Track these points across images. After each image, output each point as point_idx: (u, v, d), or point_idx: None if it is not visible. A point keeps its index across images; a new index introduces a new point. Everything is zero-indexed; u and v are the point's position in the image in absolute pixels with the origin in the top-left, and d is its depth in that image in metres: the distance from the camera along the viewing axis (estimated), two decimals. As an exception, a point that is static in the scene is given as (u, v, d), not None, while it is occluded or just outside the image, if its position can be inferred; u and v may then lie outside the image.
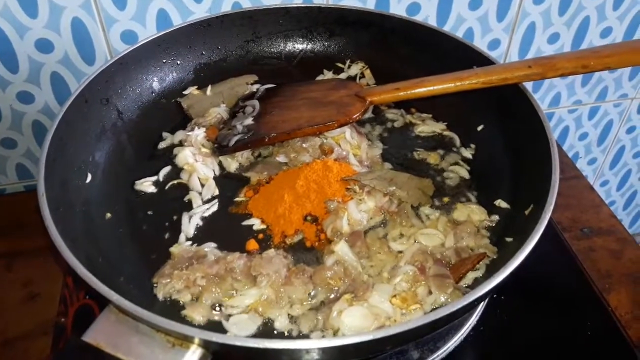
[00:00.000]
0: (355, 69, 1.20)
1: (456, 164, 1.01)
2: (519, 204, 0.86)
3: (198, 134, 1.03)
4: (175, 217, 0.92)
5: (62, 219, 0.76)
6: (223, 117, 1.08)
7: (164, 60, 1.12)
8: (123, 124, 1.03)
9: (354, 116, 0.98)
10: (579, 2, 1.40)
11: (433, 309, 0.76)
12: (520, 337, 0.95)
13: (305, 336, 0.75)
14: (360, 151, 1.01)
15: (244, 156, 1.02)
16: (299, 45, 1.22)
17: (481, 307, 0.95)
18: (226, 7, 1.22)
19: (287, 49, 1.22)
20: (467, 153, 1.04)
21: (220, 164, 1.01)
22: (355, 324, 0.73)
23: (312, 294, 0.79)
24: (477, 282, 0.80)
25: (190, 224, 0.90)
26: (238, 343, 0.61)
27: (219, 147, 1.01)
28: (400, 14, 1.19)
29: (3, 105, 1.23)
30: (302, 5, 1.19)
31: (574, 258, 1.10)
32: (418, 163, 1.02)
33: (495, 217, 0.90)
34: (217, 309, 0.78)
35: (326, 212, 0.91)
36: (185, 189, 0.97)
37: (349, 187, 0.94)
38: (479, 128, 1.05)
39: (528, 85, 0.98)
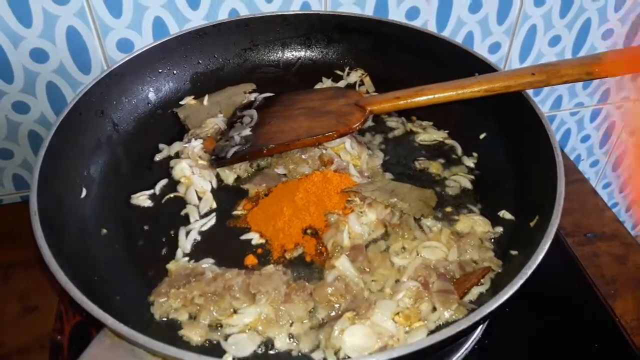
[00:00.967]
0: (354, 77, 1.18)
1: (458, 173, 1.00)
2: (523, 215, 0.85)
3: (195, 146, 1.01)
4: (172, 232, 0.91)
5: (56, 238, 0.75)
6: (220, 128, 1.07)
7: (160, 70, 1.11)
8: (118, 137, 1.02)
9: (354, 126, 0.96)
10: (580, 4, 1.38)
11: (437, 326, 0.74)
12: (525, 348, 0.94)
13: (306, 356, 0.73)
14: (360, 162, 1.00)
15: (242, 168, 1.00)
16: (297, 53, 1.21)
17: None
18: (223, 15, 1.21)
19: (285, 57, 1.21)
20: (470, 162, 1.02)
21: (217, 176, 1.00)
22: (358, 343, 0.71)
23: (312, 311, 0.77)
24: (482, 297, 0.78)
25: (187, 239, 0.89)
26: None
27: (217, 159, 0.99)
28: (399, 20, 1.18)
29: (-2, 115, 1.22)
30: (300, 13, 1.18)
31: (577, 264, 1.09)
32: (420, 173, 1.01)
33: (500, 229, 0.88)
34: (216, 328, 0.76)
35: (326, 225, 0.89)
36: (182, 202, 0.96)
37: (349, 199, 0.92)
38: (482, 136, 1.04)
39: (530, 89, 0.97)
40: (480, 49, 1.39)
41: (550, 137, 0.86)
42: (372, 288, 0.81)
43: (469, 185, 0.98)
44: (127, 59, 1.04)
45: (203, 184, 0.97)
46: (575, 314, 1.00)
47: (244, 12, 1.21)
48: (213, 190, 0.97)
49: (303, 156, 0.98)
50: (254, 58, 1.19)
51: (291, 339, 0.75)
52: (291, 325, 0.76)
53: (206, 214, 0.94)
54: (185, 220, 0.92)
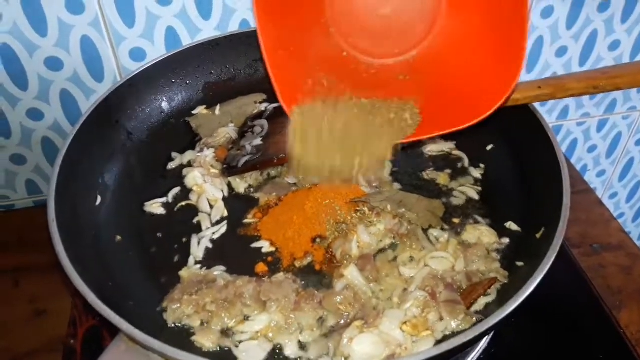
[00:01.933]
0: (364, 88, 1.19)
1: (465, 184, 1.01)
2: (529, 227, 0.86)
3: (207, 155, 1.03)
4: (184, 240, 0.92)
5: (72, 244, 0.77)
6: (232, 137, 1.08)
7: (173, 80, 1.13)
8: (132, 145, 1.04)
9: (363, 137, 0.97)
10: (586, 15, 1.39)
11: (444, 336, 0.75)
12: (531, 358, 0.95)
13: (315, 364, 0.75)
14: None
15: (253, 177, 1.02)
16: (307, 64, 1.22)
17: (491, 329, 0.94)
18: (234, 25, 1.22)
19: (295, 68, 1.22)
20: (477, 173, 1.03)
21: (229, 185, 1.01)
22: (366, 351, 0.72)
23: (322, 319, 0.79)
24: (488, 308, 0.79)
25: (199, 247, 0.90)
26: (248, 374, 0.61)
27: (228, 168, 1.01)
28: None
29: (13, 122, 1.24)
30: (310, 24, 1.20)
31: (583, 275, 1.09)
32: (427, 183, 1.02)
33: (506, 240, 0.89)
34: (227, 334, 0.78)
35: (335, 234, 0.91)
36: (194, 210, 0.97)
37: (358, 208, 0.93)
38: (489, 148, 1.05)
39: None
40: (487, 60, 1.41)
41: (556, 149, 0.87)
42: (380, 297, 0.82)
43: (475, 197, 0.99)
44: (141, 69, 1.06)
45: (215, 192, 0.98)
46: (581, 324, 1.00)
47: (255, 23, 1.23)
48: (224, 199, 0.99)
49: (313, 166, 1.00)
50: (264, 69, 1.21)
51: (301, 347, 0.77)
52: (301, 332, 0.78)
53: (218, 222, 0.95)
54: (198, 228, 0.94)
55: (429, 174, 1.03)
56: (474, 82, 0.87)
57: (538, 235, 0.83)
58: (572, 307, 1.05)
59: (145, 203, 0.98)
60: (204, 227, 0.94)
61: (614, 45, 1.48)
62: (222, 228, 0.94)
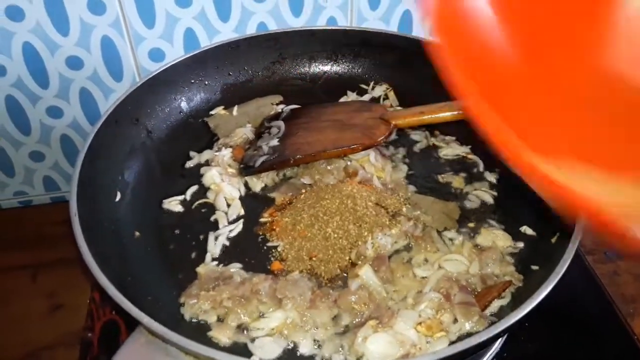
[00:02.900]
0: (379, 91, 1.20)
1: (480, 188, 1.01)
2: (545, 232, 0.86)
3: (225, 154, 1.04)
4: (201, 237, 0.93)
5: (93, 239, 0.78)
6: (249, 138, 1.10)
7: (192, 81, 1.15)
8: (152, 143, 1.06)
9: (379, 139, 0.98)
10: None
11: (458, 337, 0.75)
12: (543, 363, 0.95)
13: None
14: (384, 174, 1.02)
15: (270, 177, 1.03)
16: (323, 67, 1.24)
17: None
18: (252, 27, 1.24)
19: (312, 71, 1.24)
20: (492, 177, 1.03)
21: (246, 184, 1.02)
22: (380, 351, 0.73)
23: (336, 318, 0.79)
24: (502, 310, 0.79)
25: (216, 244, 0.91)
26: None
27: (245, 168, 1.02)
28: (424, 36, 1.20)
29: (33, 119, 1.26)
30: (328, 28, 1.21)
31: (597, 282, 1.08)
32: (443, 186, 1.02)
33: (521, 244, 0.89)
34: (243, 330, 0.79)
35: (350, 235, 0.91)
36: (211, 208, 0.98)
37: (374, 210, 0.94)
38: (504, 152, 1.05)
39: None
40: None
41: (572, 154, 0.87)
42: (395, 298, 0.82)
43: (490, 201, 0.99)
44: (161, 69, 1.08)
45: (232, 191, 0.99)
46: (594, 331, 1.00)
47: (272, 26, 1.24)
48: (241, 198, 1.00)
49: (328, 167, 1.01)
50: (282, 71, 1.22)
51: (315, 344, 0.77)
52: (315, 330, 0.78)
53: (234, 220, 0.96)
54: (215, 226, 0.95)
55: (444, 177, 1.03)
56: None
57: (553, 240, 0.83)
58: (586, 313, 1.04)
59: (164, 200, 0.99)
60: (220, 225, 0.95)
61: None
62: (239, 226, 0.95)
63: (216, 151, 1.06)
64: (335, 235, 0.89)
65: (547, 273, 0.72)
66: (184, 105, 1.13)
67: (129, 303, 0.66)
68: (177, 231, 0.94)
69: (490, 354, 0.91)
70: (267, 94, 1.19)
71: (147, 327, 0.65)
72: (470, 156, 1.08)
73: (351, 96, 1.20)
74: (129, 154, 1.01)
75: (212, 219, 0.96)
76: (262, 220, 0.96)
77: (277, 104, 1.17)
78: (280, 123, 1.08)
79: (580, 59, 0.62)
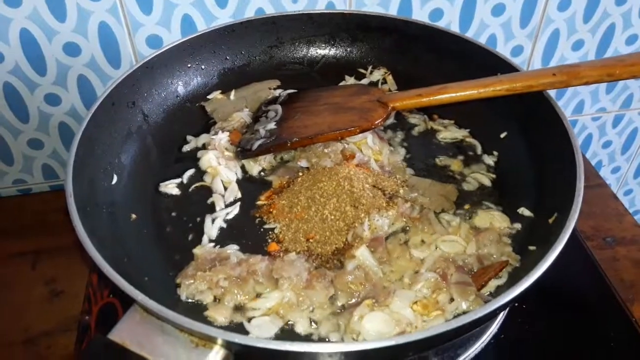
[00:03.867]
0: (377, 75, 1.20)
1: (478, 171, 1.01)
2: (542, 213, 0.86)
3: (222, 138, 1.04)
4: (198, 219, 0.93)
5: (89, 219, 0.78)
6: (246, 121, 1.09)
7: (189, 65, 1.14)
8: (148, 127, 1.05)
9: (376, 122, 0.98)
10: (604, 9, 1.39)
11: (455, 316, 0.75)
12: (542, 346, 0.95)
13: (326, 339, 0.76)
14: (382, 157, 1.02)
15: (267, 160, 1.03)
16: (321, 51, 1.23)
17: (502, 315, 0.94)
18: (250, 13, 1.24)
19: (309, 55, 1.23)
20: (490, 160, 1.03)
21: (242, 168, 1.02)
22: (377, 329, 0.73)
23: (333, 298, 0.79)
24: (499, 290, 0.79)
25: (213, 226, 0.91)
26: (260, 345, 0.62)
27: (242, 151, 1.02)
28: (423, 20, 1.20)
29: (31, 106, 1.26)
30: (325, 12, 1.21)
31: (597, 267, 1.09)
32: (440, 169, 1.02)
33: (518, 225, 0.89)
34: (239, 310, 0.79)
35: (347, 216, 0.91)
36: (208, 191, 0.98)
37: (370, 192, 0.93)
38: (502, 135, 1.05)
39: (552, 93, 0.97)
40: (502, 51, 1.40)
41: (570, 136, 0.87)
42: (391, 278, 0.82)
43: (488, 183, 0.99)
44: (157, 53, 1.07)
45: (229, 174, 0.99)
46: (594, 316, 1.00)
47: (270, 11, 1.24)
48: (238, 181, 1.00)
49: (326, 150, 1.00)
50: (279, 55, 1.22)
51: (312, 324, 0.78)
52: (312, 310, 0.78)
53: (231, 203, 0.96)
54: (211, 209, 0.95)
55: (442, 160, 1.04)
56: None
57: (551, 221, 0.82)
58: (585, 298, 1.05)
59: (161, 183, 0.99)
60: (217, 208, 0.95)
61: (632, 40, 1.48)
62: (236, 209, 0.95)
63: (213, 135, 1.06)
64: (332, 217, 0.89)
65: (544, 253, 0.71)
66: (180, 89, 1.13)
67: (123, 281, 0.66)
68: (173, 214, 0.95)
69: (488, 335, 0.91)
70: (264, 78, 1.19)
71: (142, 304, 0.65)
72: (468, 139, 1.08)
73: (349, 80, 1.20)
74: (125, 137, 1.00)
75: (209, 201, 0.96)
76: (259, 203, 0.97)
77: (275, 89, 1.17)
78: (278, 107, 1.07)
79: None
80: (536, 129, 0.98)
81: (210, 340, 0.65)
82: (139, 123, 1.04)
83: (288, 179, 0.99)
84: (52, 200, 1.33)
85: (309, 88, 1.12)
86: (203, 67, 1.16)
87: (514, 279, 0.79)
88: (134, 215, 0.92)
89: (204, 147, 1.05)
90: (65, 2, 1.13)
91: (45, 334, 1.04)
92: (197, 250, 0.87)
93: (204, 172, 1.01)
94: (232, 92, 1.15)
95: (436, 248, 0.86)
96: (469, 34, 1.36)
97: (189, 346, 0.65)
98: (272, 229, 0.91)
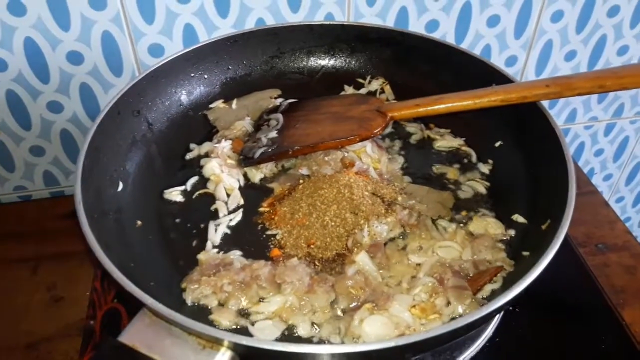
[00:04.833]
0: (375, 85, 1.22)
1: (474, 179, 1.03)
2: (535, 219, 0.88)
3: (224, 146, 1.06)
4: (202, 225, 0.95)
5: (96, 226, 0.80)
6: (248, 130, 1.12)
7: (192, 75, 1.16)
8: (153, 135, 1.07)
9: (375, 131, 1.00)
10: (596, 20, 1.42)
11: (451, 319, 0.78)
12: (535, 350, 0.97)
13: (327, 342, 0.78)
14: (380, 165, 1.04)
15: (268, 168, 1.05)
16: (321, 61, 1.25)
17: (497, 319, 0.97)
18: (250, 23, 1.26)
19: (309, 65, 1.25)
20: (485, 168, 1.06)
21: (245, 175, 1.04)
22: (376, 332, 0.75)
23: (334, 302, 0.82)
24: (494, 294, 0.82)
25: (216, 233, 0.93)
26: (266, 346, 0.64)
27: (244, 159, 1.04)
28: (419, 32, 1.22)
29: (33, 114, 1.28)
30: (325, 23, 1.23)
31: (589, 273, 1.11)
32: (437, 177, 1.05)
33: (512, 232, 0.92)
34: (243, 314, 0.81)
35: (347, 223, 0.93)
36: (211, 198, 1.00)
37: (370, 199, 0.96)
38: (497, 144, 1.07)
39: (545, 102, 1.00)
40: (497, 62, 1.43)
41: (562, 145, 0.89)
42: (390, 283, 0.85)
43: (483, 191, 1.01)
44: (161, 63, 1.09)
45: (231, 181, 1.02)
46: (586, 321, 1.03)
47: (271, 22, 1.26)
48: (240, 188, 1.02)
49: (326, 158, 1.03)
50: (280, 65, 1.24)
51: (313, 327, 0.80)
52: (313, 314, 0.80)
53: (234, 210, 0.98)
54: (215, 215, 0.97)
55: (438, 168, 1.06)
56: None
57: (544, 227, 0.85)
58: (578, 303, 1.07)
59: (165, 191, 1.01)
60: (221, 214, 0.97)
61: (623, 50, 1.51)
62: (238, 215, 0.97)
63: (216, 143, 1.08)
64: (333, 224, 0.92)
65: (537, 258, 0.74)
66: (184, 98, 1.15)
67: (133, 286, 0.68)
68: (178, 220, 0.96)
69: (483, 339, 0.93)
70: (265, 87, 1.21)
71: (151, 308, 0.67)
72: (464, 148, 1.10)
73: (348, 90, 1.22)
74: (130, 145, 1.02)
75: (212, 208, 0.98)
76: (261, 209, 0.99)
77: (276, 98, 1.19)
78: (279, 115, 1.10)
79: None
80: (530, 138, 1.01)
81: (217, 343, 0.67)
82: (144, 131, 1.06)
83: (289, 186, 1.01)
84: (52, 207, 1.34)
85: (309, 97, 1.15)
86: (206, 76, 1.18)
87: (508, 284, 0.81)
88: (139, 222, 0.94)
89: (207, 155, 1.07)
90: (70, 12, 1.15)
91: (46, 339, 1.05)
92: (201, 256, 0.89)
93: (207, 180, 1.03)
94: (234, 101, 1.17)
95: (433, 253, 0.88)
96: (465, 45, 1.38)
97: (197, 348, 0.67)
98: (274, 235, 0.93)
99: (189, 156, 1.09)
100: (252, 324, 0.79)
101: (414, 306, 0.79)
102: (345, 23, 1.24)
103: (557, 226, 0.77)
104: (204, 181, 1.03)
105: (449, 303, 0.80)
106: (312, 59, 1.25)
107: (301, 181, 1.01)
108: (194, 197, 1.01)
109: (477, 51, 1.40)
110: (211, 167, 1.03)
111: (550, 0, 1.35)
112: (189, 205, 0.99)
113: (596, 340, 0.99)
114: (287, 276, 0.82)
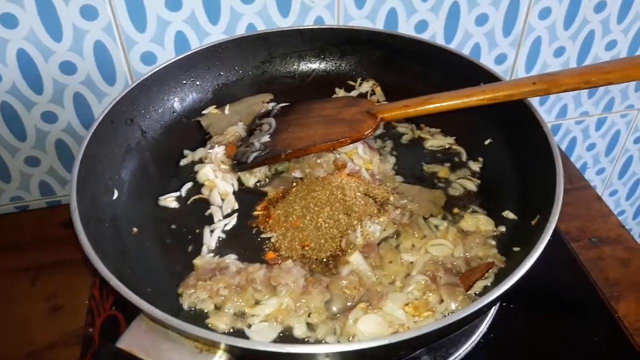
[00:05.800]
0: (366, 87, 1.23)
1: (464, 177, 1.05)
2: (525, 215, 0.89)
3: (218, 152, 1.07)
4: (197, 231, 0.96)
5: (92, 233, 0.80)
6: (241, 135, 1.13)
7: (184, 82, 1.17)
8: (146, 143, 1.08)
9: (366, 132, 1.01)
10: (583, 16, 1.43)
11: (444, 316, 0.79)
12: (529, 344, 0.98)
13: (323, 342, 0.79)
14: (372, 165, 1.05)
15: (262, 172, 1.06)
16: (311, 65, 1.26)
17: (491, 314, 0.98)
18: (241, 29, 1.27)
19: (300, 69, 1.26)
20: (475, 166, 1.07)
21: (239, 180, 1.05)
22: (371, 330, 0.76)
23: (328, 302, 0.83)
24: (486, 290, 0.83)
25: (212, 237, 0.94)
26: (261, 348, 0.65)
27: (238, 164, 1.05)
28: (408, 33, 1.23)
29: (28, 125, 1.28)
30: (315, 27, 1.24)
31: (582, 267, 1.12)
32: (429, 176, 1.06)
33: (503, 228, 0.93)
34: (239, 317, 0.82)
35: (341, 224, 0.94)
36: (206, 203, 1.01)
37: (362, 200, 0.97)
38: (487, 142, 1.09)
39: (535, 99, 1.01)
40: (486, 60, 1.45)
41: (550, 141, 0.91)
42: (384, 282, 0.86)
43: (474, 188, 1.03)
44: (153, 71, 1.10)
45: (225, 186, 1.03)
46: (579, 315, 1.04)
47: (261, 27, 1.27)
48: (235, 193, 1.03)
49: (318, 160, 1.04)
50: (271, 70, 1.25)
51: (309, 328, 0.81)
52: (309, 315, 0.82)
53: (229, 215, 0.99)
54: (210, 220, 0.98)
55: (430, 167, 1.07)
56: None
57: (533, 223, 0.86)
58: (572, 297, 1.08)
59: (160, 197, 1.02)
60: (215, 219, 0.98)
61: (611, 45, 1.52)
62: (233, 220, 0.98)
63: (209, 149, 1.09)
64: (326, 225, 0.93)
65: (527, 253, 0.75)
66: (177, 105, 1.16)
67: (130, 292, 0.69)
68: (173, 226, 0.97)
69: (478, 335, 0.94)
70: (257, 92, 1.22)
71: (148, 314, 0.68)
72: (454, 147, 1.12)
73: (339, 93, 1.23)
74: (125, 153, 1.03)
75: (207, 213, 0.99)
76: (255, 213, 1.00)
77: (268, 102, 1.20)
78: (271, 120, 1.11)
79: None
80: (518, 136, 1.02)
81: (214, 346, 0.68)
82: (138, 139, 1.07)
83: (283, 189, 1.02)
84: (49, 216, 1.34)
85: (301, 101, 1.15)
86: (198, 83, 1.19)
87: (499, 279, 0.83)
88: (135, 229, 0.94)
89: (201, 160, 1.08)
90: (61, 22, 1.15)
91: (47, 348, 1.05)
92: (197, 261, 0.90)
93: (201, 185, 1.04)
94: (227, 107, 1.18)
95: (426, 252, 0.89)
96: (454, 44, 1.40)
97: (194, 352, 0.68)
98: (269, 238, 0.94)
99: (183, 162, 1.10)
100: (249, 326, 0.80)
101: (407, 304, 0.80)
102: (334, 27, 1.25)
103: (546, 222, 0.78)
104: (198, 187, 1.04)
105: (441, 300, 0.81)
106: (303, 63, 1.26)
107: (294, 184, 1.03)
108: (188, 202, 1.02)
109: (466, 50, 1.42)
110: (205, 172, 1.03)
111: (538, -3, 1.37)
112: (184, 211, 1.00)
113: (590, 333, 1.00)
114: (282, 278, 0.83)
